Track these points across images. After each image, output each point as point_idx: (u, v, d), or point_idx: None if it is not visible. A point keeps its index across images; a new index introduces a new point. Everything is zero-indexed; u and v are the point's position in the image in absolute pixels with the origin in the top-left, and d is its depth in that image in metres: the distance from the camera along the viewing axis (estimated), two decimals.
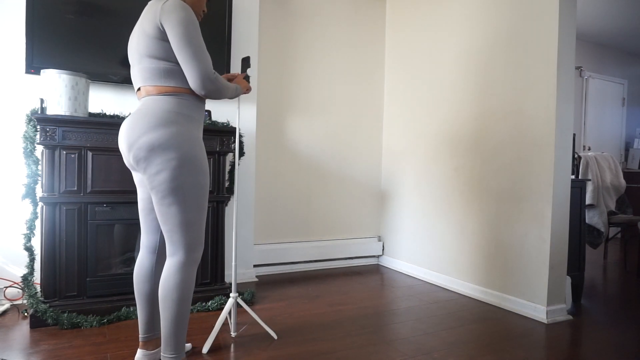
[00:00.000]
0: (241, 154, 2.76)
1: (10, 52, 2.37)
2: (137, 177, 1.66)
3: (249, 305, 2.47)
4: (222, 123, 2.60)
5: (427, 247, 3.23)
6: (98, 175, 2.23)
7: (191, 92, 1.56)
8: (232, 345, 1.93)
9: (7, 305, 2.31)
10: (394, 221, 3.61)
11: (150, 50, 1.50)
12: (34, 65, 2.28)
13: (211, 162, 2.51)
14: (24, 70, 2.31)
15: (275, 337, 2.04)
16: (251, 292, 2.59)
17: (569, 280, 2.51)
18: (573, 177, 2.79)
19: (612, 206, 3.64)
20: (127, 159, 1.55)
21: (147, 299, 1.68)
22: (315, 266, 3.48)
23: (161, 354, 1.54)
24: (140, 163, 1.48)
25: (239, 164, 2.71)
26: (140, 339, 1.68)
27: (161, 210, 1.51)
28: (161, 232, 1.68)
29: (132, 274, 2.33)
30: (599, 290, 3.08)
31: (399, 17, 3.61)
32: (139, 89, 1.60)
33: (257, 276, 3.17)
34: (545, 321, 2.35)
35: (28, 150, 2.16)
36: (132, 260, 2.44)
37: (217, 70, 2.76)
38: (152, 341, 1.69)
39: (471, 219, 2.87)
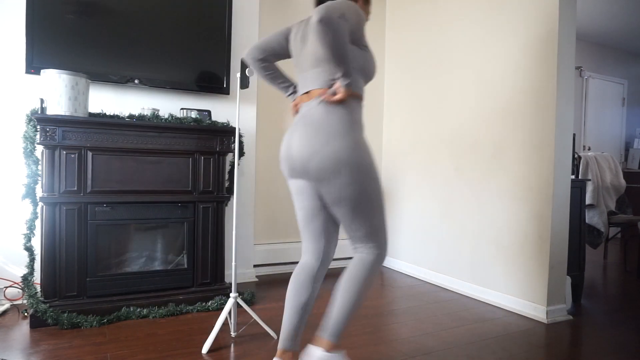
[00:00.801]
0: (241, 154, 2.76)
1: (10, 52, 2.37)
2: (300, 186, 1.57)
3: (249, 305, 2.47)
4: (222, 123, 2.60)
5: (427, 247, 3.23)
6: (98, 175, 2.23)
7: (359, 96, 1.52)
8: (232, 345, 1.93)
9: (7, 305, 2.31)
10: (394, 221, 3.61)
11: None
12: (34, 65, 2.28)
13: (211, 162, 2.52)
14: (24, 70, 2.31)
15: (275, 337, 2.04)
16: (251, 292, 2.59)
17: (569, 280, 2.51)
18: (573, 177, 2.79)
19: (612, 206, 3.64)
20: (302, 168, 1.48)
21: (301, 308, 1.57)
22: None
23: (322, 336, 1.49)
24: (324, 174, 1.42)
25: (239, 164, 2.71)
26: (281, 347, 1.53)
27: (353, 218, 1.47)
28: (325, 240, 1.63)
29: (132, 274, 2.34)
30: (599, 290, 3.08)
31: (399, 17, 3.61)
32: (306, 93, 1.54)
33: (257, 276, 3.17)
34: (545, 321, 2.35)
35: (28, 150, 2.16)
36: (132, 261, 2.44)
37: (217, 70, 2.76)
38: (291, 352, 1.53)
39: (471, 219, 2.87)
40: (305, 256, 1.65)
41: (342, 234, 3.63)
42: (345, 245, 3.56)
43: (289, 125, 1.62)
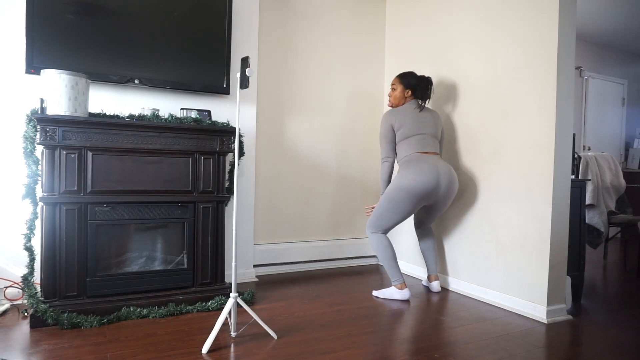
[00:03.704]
0: (241, 154, 2.76)
1: (10, 52, 2.38)
2: (424, 197, 2.64)
3: (249, 305, 2.47)
4: (222, 123, 2.60)
5: None
6: (98, 175, 2.23)
7: None
8: (232, 345, 1.93)
9: (7, 305, 2.31)
10: None
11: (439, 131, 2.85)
12: (34, 65, 2.28)
13: (211, 162, 2.52)
14: (24, 70, 2.31)
15: (275, 337, 2.04)
16: (251, 292, 2.59)
17: (569, 280, 2.51)
18: (573, 177, 2.79)
19: (612, 206, 3.64)
20: (443, 189, 2.66)
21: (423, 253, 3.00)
22: (315, 266, 3.48)
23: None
24: (451, 195, 2.72)
25: (238, 164, 2.71)
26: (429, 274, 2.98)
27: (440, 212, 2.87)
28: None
29: (132, 274, 2.34)
30: (599, 290, 3.08)
31: (399, 16, 3.61)
32: (429, 152, 2.73)
33: (257, 276, 3.17)
34: (545, 321, 2.35)
35: (28, 150, 2.16)
36: (132, 261, 2.44)
37: (216, 70, 2.76)
38: (433, 275, 2.95)
39: (471, 219, 2.87)
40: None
41: (343, 234, 3.63)
42: (345, 245, 3.57)
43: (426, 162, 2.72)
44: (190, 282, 2.48)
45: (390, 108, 2.93)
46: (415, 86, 2.84)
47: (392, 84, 2.89)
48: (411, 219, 3.34)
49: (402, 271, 3.47)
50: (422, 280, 3.19)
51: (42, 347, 1.86)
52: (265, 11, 3.24)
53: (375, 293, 2.78)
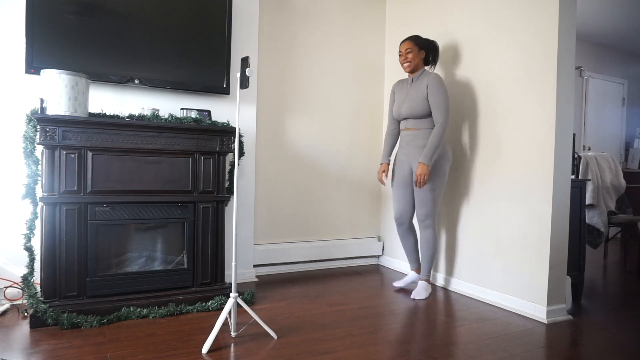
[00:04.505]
0: (241, 154, 2.76)
1: (10, 52, 2.38)
2: None
3: (249, 305, 2.47)
4: (222, 123, 2.60)
5: None
6: (98, 175, 2.23)
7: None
8: (232, 345, 1.93)
9: (7, 305, 2.31)
10: (394, 221, 3.60)
11: None
12: (34, 65, 2.28)
13: (211, 162, 2.52)
14: (24, 70, 2.31)
15: (275, 337, 2.04)
16: (251, 292, 2.59)
17: (569, 280, 2.51)
18: (573, 177, 2.79)
19: (612, 206, 3.64)
20: None
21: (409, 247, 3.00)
22: (315, 266, 3.48)
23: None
24: None
25: (238, 164, 2.71)
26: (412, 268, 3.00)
27: None
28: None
29: (132, 274, 2.34)
30: (599, 290, 3.08)
31: (399, 16, 3.61)
32: None
33: (257, 276, 3.17)
34: (545, 321, 2.35)
35: (28, 150, 2.16)
36: (132, 261, 2.44)
37: (217, 70, 2.76)
38: (416, 269, 2.98)
39: (471, 219, 2.87)
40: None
41: (343, 234, 3.63)
42: (345, 245, 3.57)
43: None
44: (190, 282, 2.48)
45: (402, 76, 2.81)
46: (427, 48, 2.81)
47: (406, 48, 2.75)
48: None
49: (400, 271, 3.47)
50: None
51: (42, 347, 1.86)
52: (266, 11, 3.24)
53: (416, 297, 2.72)
